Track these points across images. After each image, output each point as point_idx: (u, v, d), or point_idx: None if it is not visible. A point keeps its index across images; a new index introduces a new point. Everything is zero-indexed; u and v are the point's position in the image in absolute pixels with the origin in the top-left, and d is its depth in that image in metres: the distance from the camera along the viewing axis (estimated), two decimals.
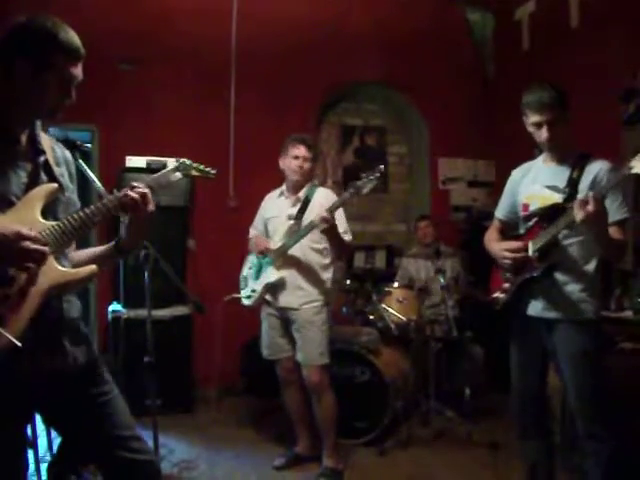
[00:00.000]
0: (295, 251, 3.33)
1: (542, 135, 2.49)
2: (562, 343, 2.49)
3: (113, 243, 1.85)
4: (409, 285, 4.50)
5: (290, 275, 3.35)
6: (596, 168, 2.44)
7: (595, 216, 2.18)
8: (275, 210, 3.52)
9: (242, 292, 3.54)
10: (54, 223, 1.65)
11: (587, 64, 4.38)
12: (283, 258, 3.35)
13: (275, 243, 3.36)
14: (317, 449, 3.51)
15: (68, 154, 1.90)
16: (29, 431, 3.07)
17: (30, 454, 3.25)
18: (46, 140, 1.81)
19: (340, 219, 3.32)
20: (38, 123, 1.78)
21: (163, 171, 1.93)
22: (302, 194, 3.43)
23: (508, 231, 2.78)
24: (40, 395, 1.71)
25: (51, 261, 1.62)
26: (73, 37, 1.71)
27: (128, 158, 4.47)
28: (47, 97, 1.67)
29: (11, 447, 1.68)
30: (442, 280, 4.13)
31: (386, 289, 4.33)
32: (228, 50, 5.05)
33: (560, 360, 2.52)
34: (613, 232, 2.37)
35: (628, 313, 3.62)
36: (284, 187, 3.53)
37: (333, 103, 5.78)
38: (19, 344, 1.51)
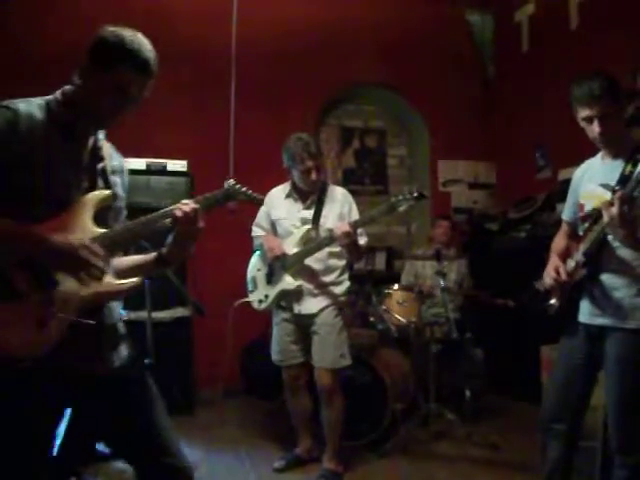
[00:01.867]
0: (313, 257, 3.26)
1: (594, 130, 2.29)
2: (609, 351, 2.34)
3: (155, 254, 1.85)
4: (409, 287, 4.50)
5: (308, 282, 3.29)
6: None
7: (619, 219, 2.07)
8: (283, 211, 3.42)
9: (252, 295, 3.48)
10: (105, 230, 1.68)
11: (587, 65, 4.37)
12: (300, 265, 3.27)
13: (290, 249, 3.27)
14: (317, 451, 3.51)
15: (123, 162, 1.94)
16: None
17: None
18: (107, 148, 1.84)
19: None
20: (101, 130, 1.80)
21: (213, 192, 1.90)
22: (316, 196, 3.36)
23: (576, 234, 2.57)
24: (74, 397, 1.72)
25: None
26: (142, 50, 1.68)
27: (127, 160, 4.46)
28: (101, 104, 1.67)
29: (36, 448, 1.68)
30: (442, 282, 4.13)
31: (386, 291, 4.32)
32: (228, 52, 5.06)
33: (605, 368, 2.37)
34: None
35: None
36: (290, 187, 3.42)
37: (333, 105, 5.78)
38: (83, 320, 1.55)
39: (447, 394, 4.27)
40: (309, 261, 3.28)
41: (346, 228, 3.04)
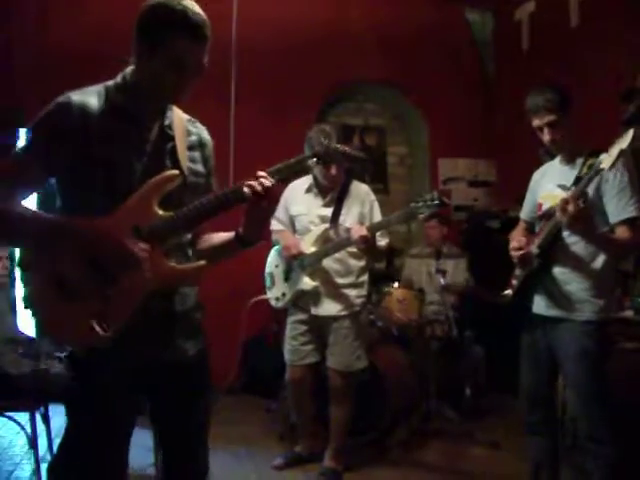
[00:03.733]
0: (331, 257, 3.21)
1: (545, 137, 2.52)
2: (563, 343, 2.48)
3: (234, 233, 1.75)
4: (409, 285, 4.50)
5: (326, 282, 3.24)
6: (601, 157, 2.37)
7: (575, 217, 2.21)
8: (303, 207, 3.34)
9: (269, 292, 3.44)
10: (168, 214, 1.60)
11: (587, 64, 4.38)
12: (318, 265, 3.22)
13: (308, 247, 3.21)
14: (317, 449, 3.50)
15: (205, 135, 1.85)
16: (29, 430, 3.07)
17: (30, 454, 3.26)
18: (181, 122, 1.75)
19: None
20: (170, 106, 1.71)
21: (298, 157, 1.73)
22: (335, 192, 3.29)
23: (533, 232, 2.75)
24: (148, 386, 1.70)
25: (159, 256, 1.58)
26: (193, 14, 1.57)
27: None
28: (159, 80, 1.59)
29: (117, 441, 1.68)
30: (442, 280, 4.13)
31: (386, 289, 4.33)
32: (228, 50, 5.05)
33: (562, 360, 2.51)
34: (621, 231, 2.36)
35: (629, 313, 3.62)
36: (311, 182, 3.34)
37: (333, 103, 5.78)
38: (109, 338, 1.52)
39: (447, 392, 4.27)
40: (327, 261, 3.23)
41: (363, 232, 2.99)
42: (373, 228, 3.07)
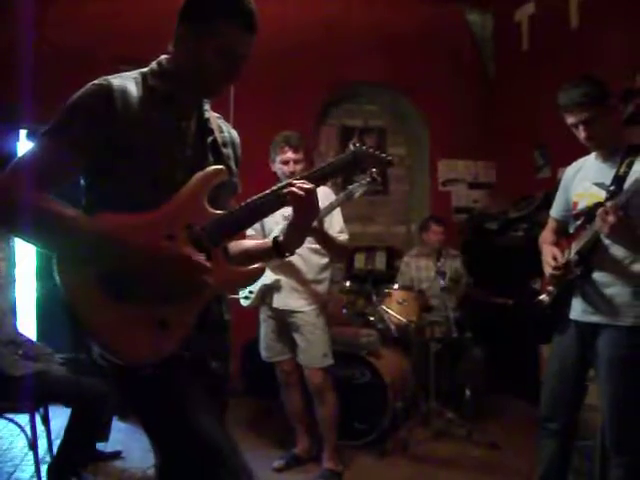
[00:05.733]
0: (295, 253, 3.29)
1: (580, 135, 2.36)
2: (601, 348, 2.35)
3: (271, 240, 1.67)
4: (409, 286, 4.50)
5: (287, 276, 3.33)
6: None
7: (616, 227, 2.11)
8: None
9: (240, 293, 3.53)
10: (223, 213, 1.52)
11: (587, 64, 4.38)
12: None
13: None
14: (316, 450, 3.51)
15: (235, 134, 1.78)
16: (29, 432, 3.07)
17: (30, 456, 3.26)
18: (214, 119, 1.67)
19: (336, 218, 3.32)
20: (207, 100, 1.63)
21: (337, 157, 1.66)
22: None
23: (564, 231, 2.59)
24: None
25: (221, 258, 1.51)
26: (247, 2, 1.48)
27: None
28: (205, 69, 1.49)
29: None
30: (442, 282, 4.13)
31: (386, 290, 4.32)
32: None
33: (598, 366, 2.39)
34: None
35: None
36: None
37: (333, 104, 5.78)
38: (182, 352, 1.43)
39: (447, 393, 4.27)
40: (291, 257, 3.28)
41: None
42: (320, 215, 3.12)
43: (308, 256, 3.34)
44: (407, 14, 5.54)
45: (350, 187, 3.03)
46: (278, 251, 1.66)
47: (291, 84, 5.20)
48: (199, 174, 1.51)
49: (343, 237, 3.34)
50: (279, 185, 1.58)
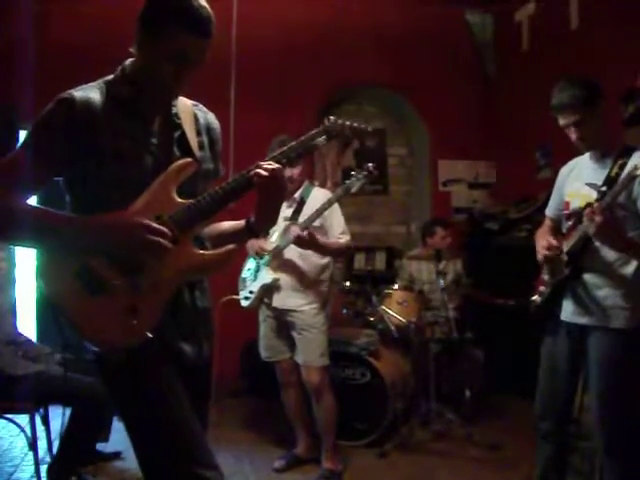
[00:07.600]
0: (292, 252, 3.30)
1: (571, 136, 2.38)
2: (591, 350, 2.35)
3: (245, 221, 1.72)
4: (409, 287, 4.49)
5: (286, 276, 3.34)
6: (635, 163, 2.22)
7: (602, 228, 2.11)
8: None
9: (240, 293, 3.53)
10: (189, 202, 1.57)
11: (587, 65, 4.37)
12: (279, 259, 3.33)
13: (270, 244, 3.34)
14: (316, 451, 3.51)
15: (211, 118, 1.80)
16: (29, 432, 3.07)
17: (30, 456, 3.26)
18: (187, 108, 1.71)
19: (337, 220, 3.33)
20: (167, 102, 1.65)
21: (307, 134, 1.71)
22: (298, 195, 3.40)
23: (560, 230, 2.59)
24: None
25: (188, 245, 1.56)
26: (199, 8, 1.51)
27: None
28: (157, 73, 1.54)
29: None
30: (442, 282, 4.12)
31: (386, 291, 4.32)
32: (228, 51, 5.05)
33: (589, 369, 2.39)
34: None
35: None
36: None
37: (333, 105, 5.78)
38: (150, 335, 1.50)
39: (447, 394, 4.27)
40: (290, 256, 3.32)
41: (297, 232, 3.09)
42: (303, 223, 3.16)
43: (308, 256, 3.35)
44: (407, 15, 5.54)
45: (347, 182, 3.11)
46: (251, 231, 1.72)
47: (291, 86, 5.21)
48: (167, 170, 1.58)
49: (344, 239, 3.35)
50: (247, 169, 1.63)
